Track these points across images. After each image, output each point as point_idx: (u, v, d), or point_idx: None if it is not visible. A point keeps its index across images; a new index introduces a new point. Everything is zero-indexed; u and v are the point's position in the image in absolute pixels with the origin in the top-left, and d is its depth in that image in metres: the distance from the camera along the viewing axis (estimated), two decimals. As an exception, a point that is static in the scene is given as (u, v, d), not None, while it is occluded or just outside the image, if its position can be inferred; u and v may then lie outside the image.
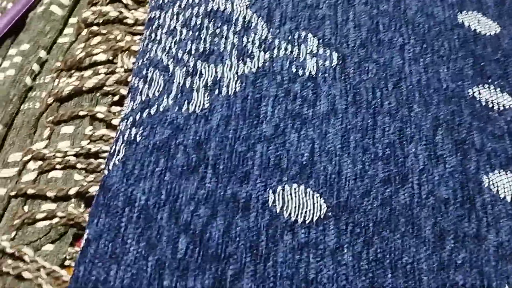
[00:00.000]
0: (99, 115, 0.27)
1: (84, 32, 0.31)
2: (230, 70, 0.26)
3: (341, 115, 0.25)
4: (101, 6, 0.32)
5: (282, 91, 0.25)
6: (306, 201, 0.22)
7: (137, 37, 0.30)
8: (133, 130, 0.23)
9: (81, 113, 0.27)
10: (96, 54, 0.29)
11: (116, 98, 0.28)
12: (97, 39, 0.30)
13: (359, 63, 0.27)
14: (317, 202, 0.22)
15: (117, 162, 0.22)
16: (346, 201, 0.23)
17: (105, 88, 0.28)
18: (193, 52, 0.26)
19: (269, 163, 0.23)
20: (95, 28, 0.31)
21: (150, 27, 0.27)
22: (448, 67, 0.28)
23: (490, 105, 0.27)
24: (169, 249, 0.20)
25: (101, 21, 0.31)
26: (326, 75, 0.26)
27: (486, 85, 0.28)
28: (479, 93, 0.27)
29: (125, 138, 0.23)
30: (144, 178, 0.22)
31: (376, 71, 0.27)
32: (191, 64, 0.26)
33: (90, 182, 0.24)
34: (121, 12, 0.31)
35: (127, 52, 0.29)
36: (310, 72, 0.26)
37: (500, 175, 0.25)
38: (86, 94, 0.28)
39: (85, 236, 0.20)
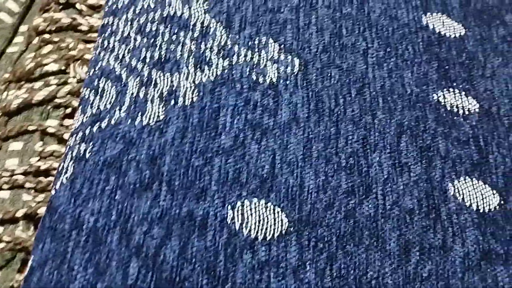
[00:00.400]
0: (50, 130, 0.25)
1: (35, 40, 0.29)
2: (186, 78, 0.24)
3: (303, 124, 0.24)
4: (54, 12, 0.30)
5: (242, 100, 0.24)
6: (267, 216, 0.21)
7: (91, 45, 0.29)
8: (83, 146, 0.22)
9: (31, 128, 0.25)
10: (47, 64, 0.27)
11: (68, 110, 0.26)
12: (49, 47, 0.28)
13: (321, 69, 0.26)
14: (278, 217, 0.22)
15: (64, 181, 0.21)
16: (308, 215, 0.22)
17: (56, 100, 0.26)
18: (147, 60, 0.25)
19: (228, 177, 0.22)
20: (46, 36, 0.29)
21: (103, 34, 0.26)
22: (412, 71, 0.28)
23: (455, 110, 0.27)
24: (119, 274, 0.19)
25: (53, 28, 0.29)
26: (288, 82, 0.26)
27: (451, 89, 0.27)
28: (444, 98, 0.27)
29: (74, 154, 0.22)
30: (93, 198, 0.20)
31: (339, 77, 0.26)
32: (146, 73, 0.24)
33: (39, 203, 0.23)
34: (74, 19, 0.30)
35: (80, 61, 0.28)
36: (271, 79, 0.25)
37: (465, 182, 0.24)
38: (36, 107, 0.26)
39: (30, 262, 0.19)
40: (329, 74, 0.26)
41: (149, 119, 0.23)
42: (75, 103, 0.26)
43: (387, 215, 0.22)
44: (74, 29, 0.30)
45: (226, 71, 0.25)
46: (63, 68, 0.28)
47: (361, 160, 0.24)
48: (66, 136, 0.25)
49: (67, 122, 0.26)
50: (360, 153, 0.24)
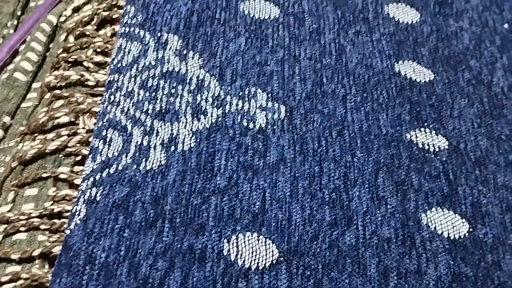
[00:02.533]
0: (62, 176, 0.28)
1: (47, 96, 0.32)
2: (185, 127, 0.28)
3: (290, 164, 0.27)
4: (63, 70, 0.33)
5: (234, 144, 0.27)
6: (259, 248, 0.24)
7: (98, 98, 0.32)
8: (94, 190, 0.25)
9: (44, 175, 0.28)
10: (59, 117, 0.30)
11: (78, 158, 0.29)
12: (60, 102, 0.31)
13: (305, 114, 0.30)
14: (269, 248, 0.24)
15: (78, 222, 0.23)
16: (296, 246, 0.24)
17: (67, 149, 0.29)
18: (150, 112, 0.28)
19: (223, 213, 0.25)
20: (57, 91, 0.32)
21: (109, 90, 0.29)
22: (387, 113, 0.31)
23: (426, 147, 0.30)
24: (129, 303, 0.21)
25: (63, 84, 0.33)
26: (275, 127, 0.29)
27: (422, 129, 0.31)
28: (416, 137, 0.30)
29: (86, 198, 0.24)
30: (104, 236, 0.23)
31: (321, 121, 0.29)
32: (148, 123, 0.27)
33: (53, 242, 0.25)
34: (82, 75, 0.33)
35: (88, 113, 0.31)
36: (260, 125, 0.28)
37: (437, 213, 0.27)
38: (49, 156, 0.29)
39: (48, 296, 0.21)
40: (312, 119, 0.29)
41: (152, 164, 0.26)
42: (84, 151, 0.29)
43: (367, 244, 0.25)
44: (82, 85, 0.33)
45: (220, 119, 0.28)
46: (73, 120, 0.30)
47: (343, 195, 0.27)
48: (76, 181, 0.28)
49: (77, 168, 0.29)
50: (341, 188, 0.27)
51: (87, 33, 0.36)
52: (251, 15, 0.34)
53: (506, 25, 0.36)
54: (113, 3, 0.37)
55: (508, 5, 0.38)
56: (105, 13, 0.37)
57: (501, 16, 0.37)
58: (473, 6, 0.38)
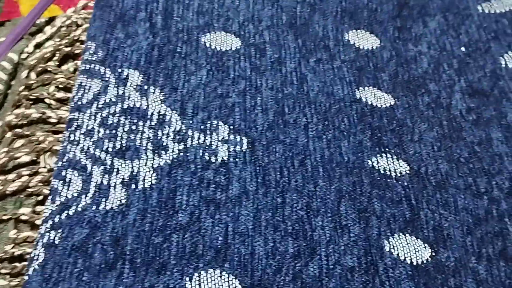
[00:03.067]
0: (23, 217, 0.28)
1: (8, 135, 0.32)
2: (145, 164, 0.27)
3: (252, 197, 0.27)
4: (25, 108, 0.33)
5: (196, 179, 0.27)
6: (222, 284, 0.24)
7: (60, 136, 0.32)
8: (52, 233, 0.24)
9: (5, 217, 0.27)
10: (19, 157, 0.30)
11: (40, 198, 0.29)
12: (21, 141, 0.31)
13: (267, 145, 0.30)
14: (232, 284, 0.24)
15: (36, 267, 0.23)
16: (260, 280, 0.24)
17: (28, 189, 0.29)
18: (110, 150, 0.28)
19: (185, 251, 0.24)
20: (18, 130, 0.32)
21: (69, 129, 0.29)
22: (348, 141, 0.31)
23: (388, 173, 0.30)
24: None
25: (25, 122, 0.32)
26: (237, 159, 0.29)
27: (384, 154, 0.31)
28: (378, 163, 0.30)
29: (44, 241, 0.24)
30: (62, 281, 0.23)
31: (283, 151, 0.30)
32: (108, 162, 0.27)
33: (15, 287, 0.25)
34: (44, 113, 0.33)
35: (49, 152, 0.30)
36: (222, 158, 0.29)
37: (399, 238, 0.27)
38: (10, 197, 0.28)
39: None
40: (274, 149, 0.30)
41: (112, 203, 0.26)
42: (46, 191, 0.29)
43: (331, 274, 0.25)
44: (44, 122, 0.33)
45: (181, 154, 0.28)
46: (34, 159, 0.30)
47: (306, 225, 0.27)
48: (38, 222, 0.27)
49: (39, 208, 0.28)
50: (304, 219, 0.27)
51: (49, 69, 0.36)
52: (213, 48, 0.34)
53: (463, 48, 0.37)
54: (75, 38, 0.37)
55: (465, 28, 0.39)
56: (67, 49, 0.37)
57: (458, 39, 0.38)
58: (431, 30, 0.39)
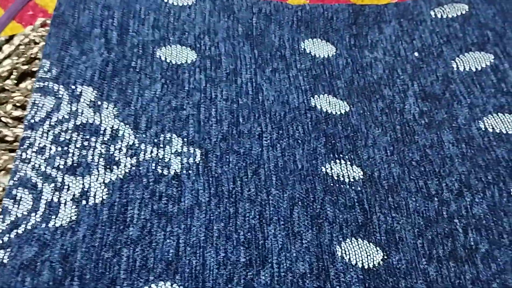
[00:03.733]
0: (-25, 238, 0.27)
1: (-37, 155, 0.32)
2: (97, 179, 0.28)
3: (205, 208, 0.27)
4: (-20, 127, 0.33)
5: (148, 192, 0.27)
6: (172, 296, 0.24)
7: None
8: (1, 252, 0.24)
9: (-44, 239, 0.27)
10: (-27, 177, 0.30)
11: (-7, 218, 0.29)
12: (-25, 161, 0.31)
13: (220, 156, 0.30)
14: (183, 296, 0.24)
15: (-17, 288, 0.23)
16: (210, 291, 0.24)
17: (-19, 210, 0.29)
18: (61, 167, 0.28)
19: (136, 265, 0.25)
20: (-27, 150, 0.32)
21: (22, 147, 0.29)
22: (303, 148, 0.32)
23: (342, 179, 0.30)
24: None
25: (-20, 141, 0.32)
26: (190, 171, 0.29)
27: (338, 161, 0.32)
28: (331, 169, 0.31)
29: (-8, 261, 0.24)
30: (9, 300, 0.22)
31: (236, 161, 0.30)
32: (59, 179, 0.27)
33: (-36, 309, 0.25)
34: (0, 132, 0.33)
35: (4, 171, 0.30)
36: (175, 171, 0.29)
37: (351, 243, 0.27)
38: (-37, 219, 0.28)
39: None
40: (227, 160, 0.30)
41: (62, 220, 0.26)
42: None
43: (282, 281, 0.25)
44: (1, 140, 0.33)
45: (133, 168, 0.28)
46: (-11, 178, 0.30)
47: (258, 234, 0.27)
48: (-10, 243, 0.27)
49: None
50: (257, 227, 0.27)
51: (7, 87, 0.36)
52: (168, 61, 0.35)
53: (416, 53, 0.38)
54: (33, 56, 0.37)
55: (418, 34, 0.39)
56: (25, 67, 0.37)
57: (412, 45, 0.39)
58: (387, 36, 0.40)
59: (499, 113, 0.33)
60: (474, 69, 0.36)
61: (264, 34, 0.38)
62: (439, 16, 0.40)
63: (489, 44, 0.37)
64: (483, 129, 0.32)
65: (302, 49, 0.38)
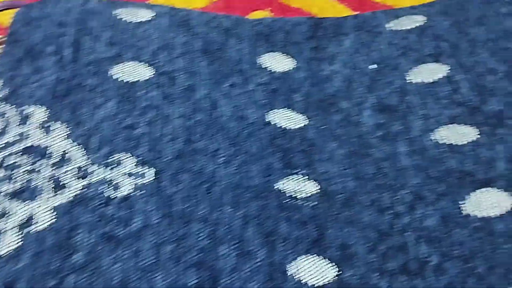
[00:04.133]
0: None
1: None
2: (44, 204, 0.27)
3: (155, 230, 0.27)
4: None
5: (97, 216, 0.27)
6: (119, 323, 0.24)
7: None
8: None
9: None
10: None
11: None
12: None
13: (174, 175, 0.30)
14: (130, 322, 0.24)
15: None
16: (159, 315, 0.24)
17: None
18: (7, 192, 0.27)
19: (82, 292, 0.24)
20: None
21: (-32, 171, 0.28)
22: (258, 165, 0.32)
23: (296, 195, 0.30)
24: None
25: None
26: (141, 192, 0.29)
27: (293, 176, 0.31)
28: (286, 185, 0.31)
29: None
30: None
31: (190, 180, 0.30)
32: (5, 205, 0.27)
33: None
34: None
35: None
36: (126, 192, 0.28)
37: (303, 261, 0.27)
38: None
39: None
40: (180, 179, 0.30)
41: (6, 248, 0.25)
42: None
43: (233, 303, 0.25)
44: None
45: (83, 191, 0.28)
46: None
47: (210, 254, 0.27)
48: None
49: None
50: (209, 248, 0.27)
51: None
52: (122, 79, 0.34)
53: (373, 66, 0.38)
54: (-14, 76, 0.37)
55: (376, 46, 0.40)
56: (-22, 87, 0.36)
57: (369, 57, 0.39)
58: (346, 48, 0.40)
59: (452, 124, 0.33)
60: (429, 81, 0.36)
61: (222, 49, 0.38)
62: (395, 28, 0.41)
63: (444, 55, 0.38)
64: (436, 140, 0.33)
65: (261, 64, 0.38)
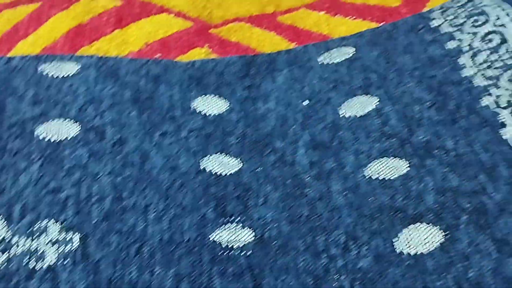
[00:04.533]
0: None
1: None
2: (-39, 285, 0.26)
3: (81, 301, 0.26)
4: None
5: (18, 292, 0.26)
6: None
7: None
8: None
9: None
10: None
11: None
12: None
13: (101, 238, 0.29)
14: None
15: None
16: None
17: None
18: None
19: None
20: None
21: None
22: (191, 217, 0.31)
23: (231, 245, 0.30)
24: None
25: None
26: (66, 261, 0.28)
27: (228, 225, 0.31)
28: (220, 236, 0.30)
29: None
30: None
31: (118, 242, 0.29)
32: None
33: None
34: None
35: None
36: (50, 263, 0.27)
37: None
38: None
39: None
40: (108, 242, 0.29)
41: None
42: None
43: None
44: None
45: (4, 265, 0.27)
46: None
47: (140, 321, 0.26)
48: None
49: None
50: (139, 314, 0.26)
51: None
52: (47, 139, 0.33)
53: (306, 102, 0.39)
54: None
55: (308, 81, 0.40)
56: None
57: (302, 92, 0.39)
58: (279, 85, 0.40)
59: (383, 158, 0.34)
60: (360, 114, 0.36)
61: (153, 97, 0.38)
62: (326, 61, 0.41)
63: (374, 87, 0.38)
64: (369, 176, 0.33)
65: (193, 108, 0.38)
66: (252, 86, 0.40)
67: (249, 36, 0.48)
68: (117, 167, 0.33)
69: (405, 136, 0.34)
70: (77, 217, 0.30)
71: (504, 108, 0.34)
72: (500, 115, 0.33)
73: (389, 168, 0.33)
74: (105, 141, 0.34)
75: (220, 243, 0.30)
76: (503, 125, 0.33)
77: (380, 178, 0.32)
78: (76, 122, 0.35)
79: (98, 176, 0.32)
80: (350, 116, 0.36)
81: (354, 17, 0.49)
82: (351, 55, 0.41)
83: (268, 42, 0.48)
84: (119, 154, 0.33)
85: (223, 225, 0.31)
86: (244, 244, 0.30)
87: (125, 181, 0.32)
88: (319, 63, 0.41)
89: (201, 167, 0.34)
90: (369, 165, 0.33)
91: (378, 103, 0.37)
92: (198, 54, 0.46)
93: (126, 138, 0.35)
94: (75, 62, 0.39)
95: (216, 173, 0.34)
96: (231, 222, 0.31)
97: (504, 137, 0.32)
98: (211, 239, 0.30)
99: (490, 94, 0.35)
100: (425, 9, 0.46)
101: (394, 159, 0.33)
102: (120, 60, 0.40)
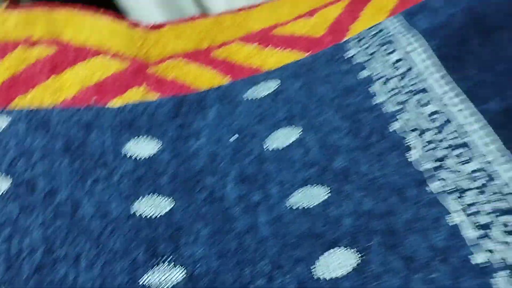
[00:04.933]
0: None
1: None
2: None
3: None
4: None
5: None
6: None
7: None
8: None
9: None
10: None
11: None
12: None
13: (32, 293, 0.30)
14: None
15: None
16: None
17: None
18: None
19: None
20: None
21: None
22: (122, 262, 0.32)
23: (159, 286, 0.31)
24: None
25: None
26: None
27: (160, 265, 0.32)
28: (152, 278, 0.31)
29: None
30: None
31: (49, 294, 0.30)
32: None
33: None
34: None
35: None
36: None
37: None
38: None
39: None
40: (39, 296, 0.29)
41: None
42: None
43: None
44: None
45: None
46: None
47: None
48: None
49: None
50: None
51: None
52: (-23, 197, 0.34)
53: (235, 136, 0.40)
54: None
55: (236, 116, 0.42)
56: None
57: (231, 128, 0.41)
58: (209, 122, 0.42)
59: (306, 186, 0.36)
60: (284, 145, 0.38)
61: (85, 144, 0.39)
62: (252, 96, 0.43)
63: (297, 118, 0.40)
64: (291, 205, 0.34)
65: (125, 152, 0.39)
66: (184, 124, 0.42)
67: (185, 73, 0.50)
68: (48, 218, 0.33)
69: (325, 163, 0.37)
70: (7, 273, 0.30)
71: (412, 130, 0.36)
72: (406, 139, 0.36)
73: (310, 196, 0.35)
74: (36, 193, 0.35)
75: (149, 286, 0.31)
76: (408, 148, 0.35)
77: (302, 207, 0.34)
78: (7, 175, 0.35)
79: (29, 229, 0.33)
80: (274, 148, 0.38)
81: (283, 47, 0.51)
82: (275, 87, 0.43)
83: (203, 77, 0.49)
84: (50, 205, 0.34)
85: (154, 266, 0.32)
86: (177, 283, 0.31)
87: (56, 231, 0.33)
88: (245, 99, 0.43)
89: (133, 211, 0.35)
90: (292, 195, 0.35)
91: (301, 133, 0.39)
92: (135, 94, 0.47)
93: (58, 188, 0.35)
94: (5, 116, 0.39)
95: (147, 216, 0.35)
96: (163, 262, 0.32)
97: (409, 159, 0.35)
98: (141, 283, 0.31)
99: (397, 120, 0.37)
100: (346, 37, 0.49)
101: (316, 186, 0.35)
102: (51, 111, 0.41)
